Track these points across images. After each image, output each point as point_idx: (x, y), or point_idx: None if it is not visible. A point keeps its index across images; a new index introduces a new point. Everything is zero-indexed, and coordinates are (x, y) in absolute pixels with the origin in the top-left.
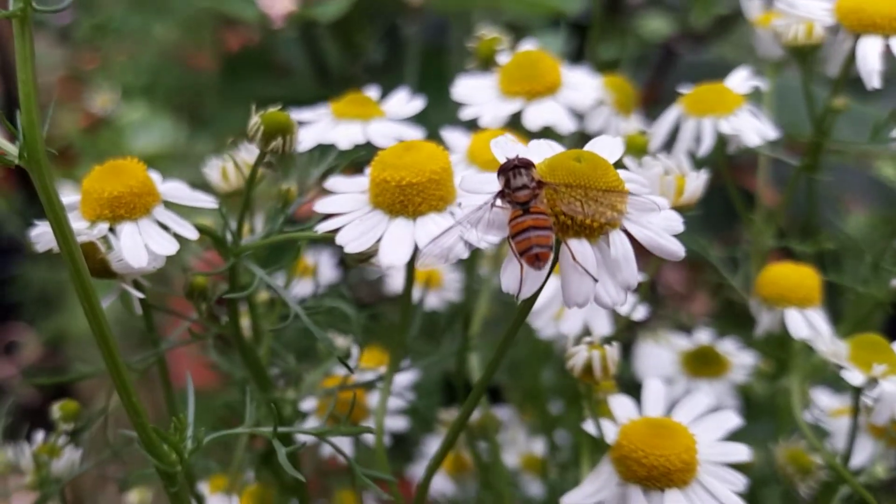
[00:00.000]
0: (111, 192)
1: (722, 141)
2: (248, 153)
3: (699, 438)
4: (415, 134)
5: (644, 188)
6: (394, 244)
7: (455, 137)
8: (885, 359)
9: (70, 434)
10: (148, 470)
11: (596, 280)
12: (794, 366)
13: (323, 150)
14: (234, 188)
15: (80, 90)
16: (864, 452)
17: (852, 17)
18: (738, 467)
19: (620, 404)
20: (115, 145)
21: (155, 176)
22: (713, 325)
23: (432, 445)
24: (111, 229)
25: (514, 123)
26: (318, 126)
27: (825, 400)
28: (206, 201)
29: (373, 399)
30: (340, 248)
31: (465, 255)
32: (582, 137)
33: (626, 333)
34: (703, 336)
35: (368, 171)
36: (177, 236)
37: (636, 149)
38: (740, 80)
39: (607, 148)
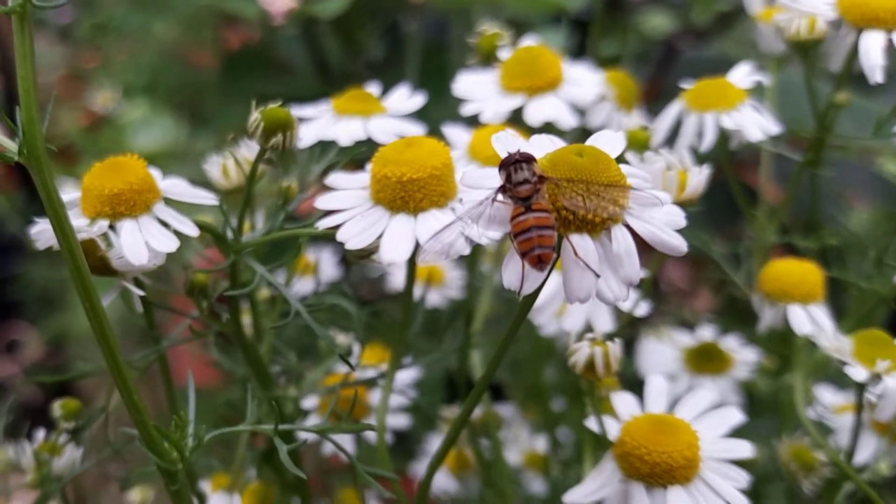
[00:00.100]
0: (111, 188)
1: (724, 136)
2: (248, 150)
3: (702, 435)
4: (416, 130)
5: (646, 183)
6: (395, 241)
7: (456, 133)
8: (889, 354)
9: (71, 432)
10: (149, 468)
11: (598, 275)
12: (797, 362)
13: (324, 146)
14: (235, 185)
15: (80, 89)
16: (867, 449)
17: (855, 12)
18: (742, 464)
19: (623, 401)
20: (116, 143)
21: (155, 173)
22: (716, 322)
23: (434, 443)
24: (111, 226)
25: (516, 119)
26: (318, 122)
27: (828, 396)
28: (207, 198)
29: (374, 397)
30: (341, 244)
31: (466, 251)
32: (583, 133)
33: (629, 330)
34: (706, 333)
35: (369, 167)
36: (177, 233)
37: (638, 144)
38: (742, 76)
39: (609, 143)
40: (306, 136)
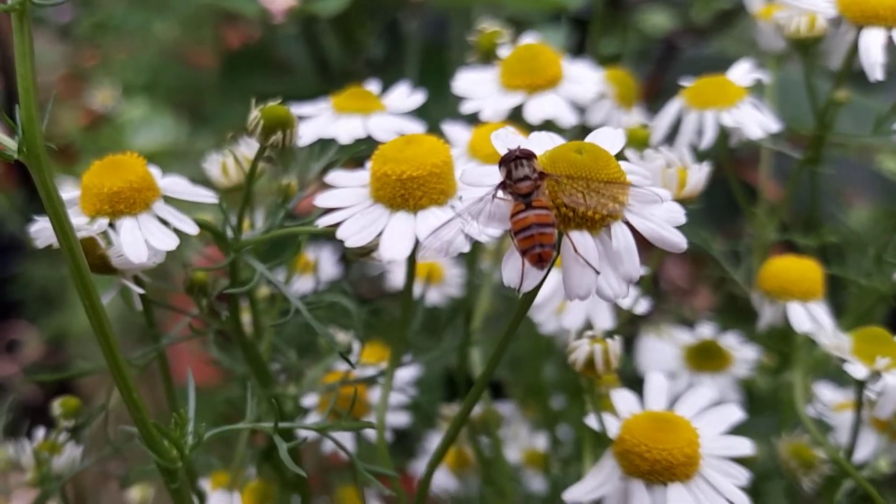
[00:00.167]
0: (111, 187)
1: (724, 134)
2: (248, 148)
3: (702, 432)
4: (415, 128)
5: (646, 180)
6: (395, 238)
7: (456, 131)
8: (889, 352)
9: (71, 431)
10: (149, 466)
11: (598, 272)
12: (796, 360)
13: (323, 144)
14: (235, 183)
15: (80, 88)
16: (867, 446)
17: (855, 9)
18: (741, 461)
19: (623, 398)
20: (116, 143)
21: (154, 171)
22: (715, 320)
23: (434, 441)
24: (111, 224)
25: (516, 117)
26: (318, 120)
27: (828, 394)
28: (206, 196)
29: (374, 395)
30: (341, 242)
31: (465, 248)
32: (583, 131)
33: (629, 327)
34: (706, 330)
35: (369, 165)
36: (177, 231)
37: (638, 142)
38: (742, 73)
39: (608, 140)
40: (306, 134)
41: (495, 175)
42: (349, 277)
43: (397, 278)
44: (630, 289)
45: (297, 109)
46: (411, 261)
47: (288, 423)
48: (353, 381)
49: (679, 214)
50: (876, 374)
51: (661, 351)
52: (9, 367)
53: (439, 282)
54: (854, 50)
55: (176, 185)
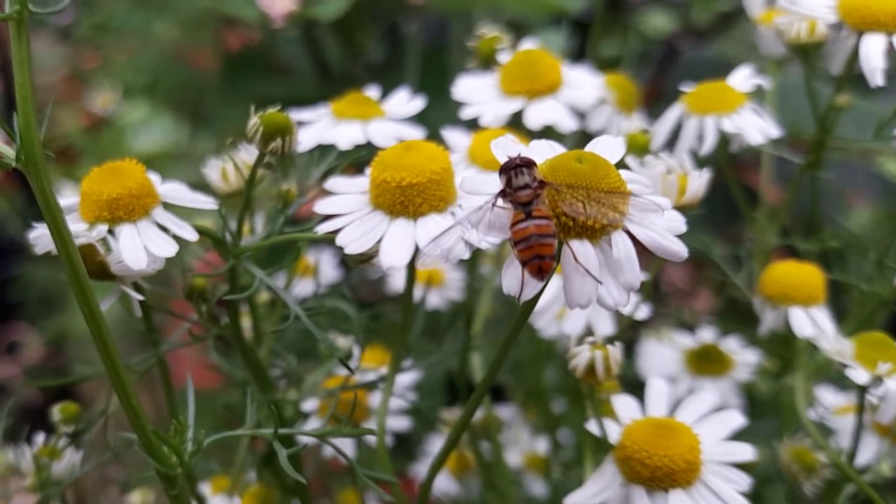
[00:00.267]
0: (110, 193)
1: (724, 139)
2: (247, 153)
3: (703, 438)
4: (415, 134)
5: (646, 188)
6: (394, 245)
7: (456, 137)
8: (890, 357)
9: (71, 436)
10: (149, 472)
11: (599, 281)
12: (798, 364)
13: (323, 150)
14: (234, 189)
15: (81, 89)
16: (869, 450)
17: (855, 15)
18: (743, 466)
19: (623, 404)
20: (116, 145)
21: (154, 177)
22: (717, 323)
23: (435, 444)
24: (110, 231)
25: (515, 123)
26: (318, 126)
27: (830, 398)
28: (206, 202)
29: (375, 399)
30: (341, 248)
31: (465, 255)
32: (583, 136)
33: (629, 332)
34: (707, 334)
35: (369, 171)
36: (176, 238)
37: (638, 147)
38: (743, 79)
39: (609, 148)
40: (305, 140)
41: (495, 183)
42: (350, 280)
43: (398, 282)
44: (631, 296)
45: (296, 115)
46: (411, 267)
47: (288, 429)
48: (354, 386)
49: (679, 223)
50: (877, 380)
51: (661, 355)
52: (9, 369)
53: (440, 285)
54: (855, 55)
55: (175, 191)
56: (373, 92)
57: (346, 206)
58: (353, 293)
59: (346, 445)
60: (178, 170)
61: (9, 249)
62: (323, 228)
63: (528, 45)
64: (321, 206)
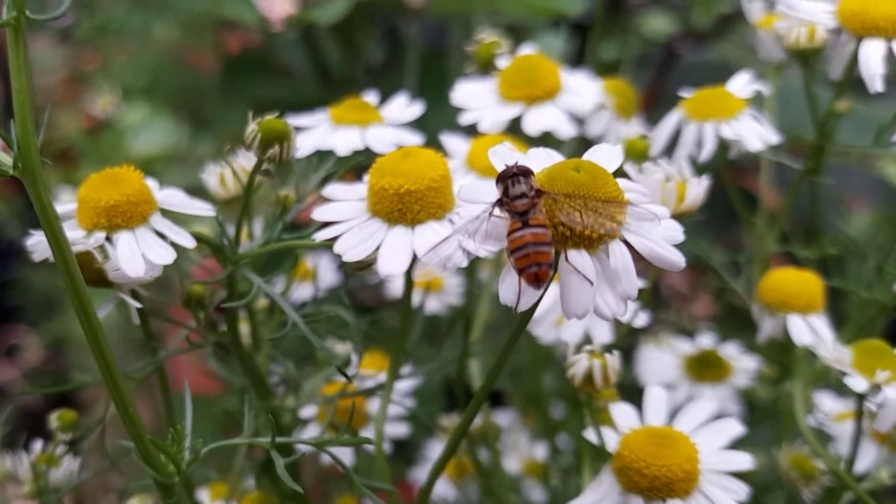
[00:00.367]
0: (107, 200)
1: (723, 145)
2: (246, 159)
3: (701, 447)
4: (413, 139)
5: (644, 198)
6: (392, 253)
7: (454, 143)
8: (889, 365)
9: (68, 443)
10: (146, 481)
11: (595, 291)
12: (797, 370)
13: (321, 155)
14: (233, 195)
15: (81, 91)
16: (867, 457)
17: (855, 20)
18: (742, 473)
19: (622, 412)
20: (116, 147)
21: (152, 183)
22: (716, 329)
23: (434, 449)
24: (108, 238)
25: (514, 128)
26: (316, 132)
27: (828, 404)
28: (203, 209)
29: (374, 405)
30: (339, 255)
31: (463, 263)
32: (582, 142)
33: (628, 338)
34: (706, 340)
35: (367, 178)
36: (174, 245)
37: (637, 153)
38: (742, 84)
39: (607, 157)
40: (304, 146)
41: (493, 192)
42: (349, 285)
43: (397, 287)
44: (629, 304)
45: (294, 121)
46: (409, 274)
47: (285, 437)
48: (352, 393)
49: (677, 232)
50: (876, 388)
51: (660, 361)
52: (9, 372)
53: (439, 291)
54: (854, 60)
55: (173, 197)
56: (371, 97)
57: (344, 213)
58: (352, 298)
59: (345, 452)
60: (177, 172)
61: (8, 252)
62: (321, 235)
63: (526, 49)
64: (319, 213)
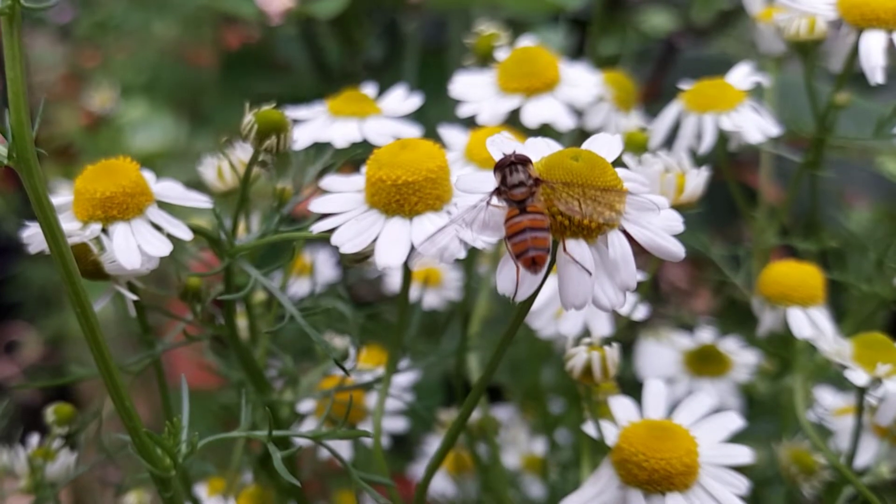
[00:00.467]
0: (103, 192)
1: (723, 138)
2: (243, 152)
3: (701, 441)
4: (411, 131)
5: (643, 187)
6: (390, 245)
7: (453, 135)
8: (890, 358)
9: (65, 437)
10: (143, 475)
11: (594, 281)
12: (797, 364)
13: (319, 148)
14: (230, 187)
15: (80, 88)
16: (868, 452)
17: (855, 12)
18: (741, 468)
19: (621, 405)
20: (116, 143)
21: (148, 175)
22: (715, 323)
23: (433, 445)
24: (104, 230)
25: (513, 120)
26: (314, 124)
27: (829, 399)
28: (200, 201)
29: (372, 399)
30: (337, 247)
31: (461, 254)
32: (581, 134)
33: (628, 332)
34: (706, 334)
35: (364, 169)
36: (171, 237)
37: (636, 146)
38: (742, 76)
39: (606, 146)
40: (301, 138)
41: (491, 181)
42: (347, 280)
43: (396, 281)
44: (628, 295)
45: (292, 113)
46: (407, 266)
47: (283, 430)
48: (350, 387)
49: (677, 223)
50: (877, 381)
51: (660, 355)
52: (8, 369)
53: (437, 285)
54: (854, 52)
55: (170, 189)
56: (369, 89)
57: (342, 205)
58: (351, 293)
59: (343, 447)
60: (176, 169)
61: (7, 249)
62: (318, 227)
63: (525, 41)
64: (316, 205)
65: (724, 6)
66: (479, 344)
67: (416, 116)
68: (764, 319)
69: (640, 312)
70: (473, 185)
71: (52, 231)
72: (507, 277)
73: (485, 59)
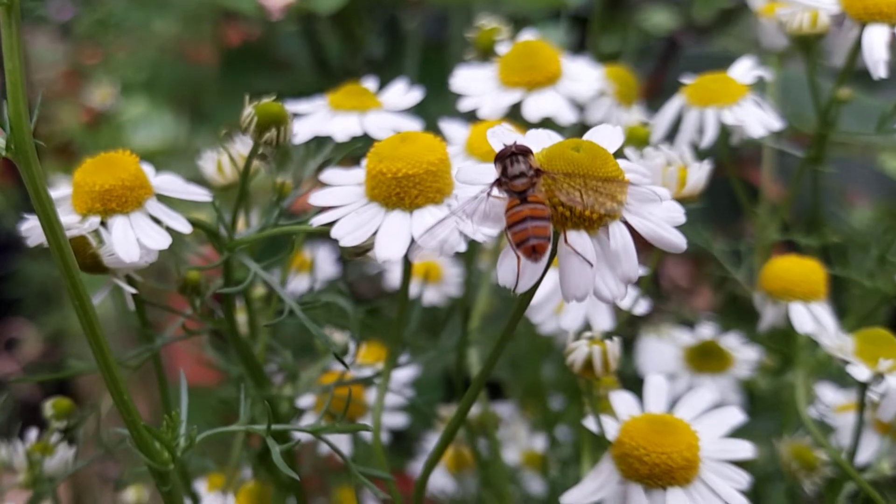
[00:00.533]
0: (102, 185)
1: (725, 132)
2: (243, 145)
3: (702, 435)
4: (412, 125)
5: (645, 178)
6: (390, 238)
7: (454, 129)
8: (892, 353)
9: (63, 432)
10: (141, 469)
11: (595, 273)
12: (798, 361)
13: (319, 142)
14: (230, 181)
15: (81, 85)
16: (869, 448)
17: (858, 6)
18: (742, 464)
19: (622, 400)
20: (116, 140)
21: (148, 169)
22: (716, 320)
23: (433, 441)
24: (102, 223)
25: (514, 115)
26: (314, 118)
27: (830, 395)
28: (200, 194)
29: (372, 395)
30: (338, 243)
31: (461, 246)
32: (583, 129)
33: (629, 328)
34: (707, 331)
35: (364, 162)
36: (170, 231)
37: (638, 140)
38: (744, 70)
39: (607, 137)
40: (302, 132)
41: (492, 173)
42: (348, 276)
43: (396, 277)
44: (629, 289)
45: (292, 107)
46: (407, 260)
47: (282, 425)
48: (350, 382)
49: (679, 214)
50: (878, 376)
51: (661, 352)
52: (8, 365)
53: (438, 281)
54: (857, 47)
55: (169, 182)
56: (370, 83)
57: (342, 198)
58: (351, 289)
59: (342, 442)
60: (176, 166)
61: (6, 245)
62: (318, 221)
63: (527, 35)
64: (316, 198)
65: (725, 4)
66: (480, 339)
67: (416, 113)
68: (766, 314)
69: (641, 307)
70: (474, 177)
71: (51, 223)
72: (508, 268)
73: (486, 53)
